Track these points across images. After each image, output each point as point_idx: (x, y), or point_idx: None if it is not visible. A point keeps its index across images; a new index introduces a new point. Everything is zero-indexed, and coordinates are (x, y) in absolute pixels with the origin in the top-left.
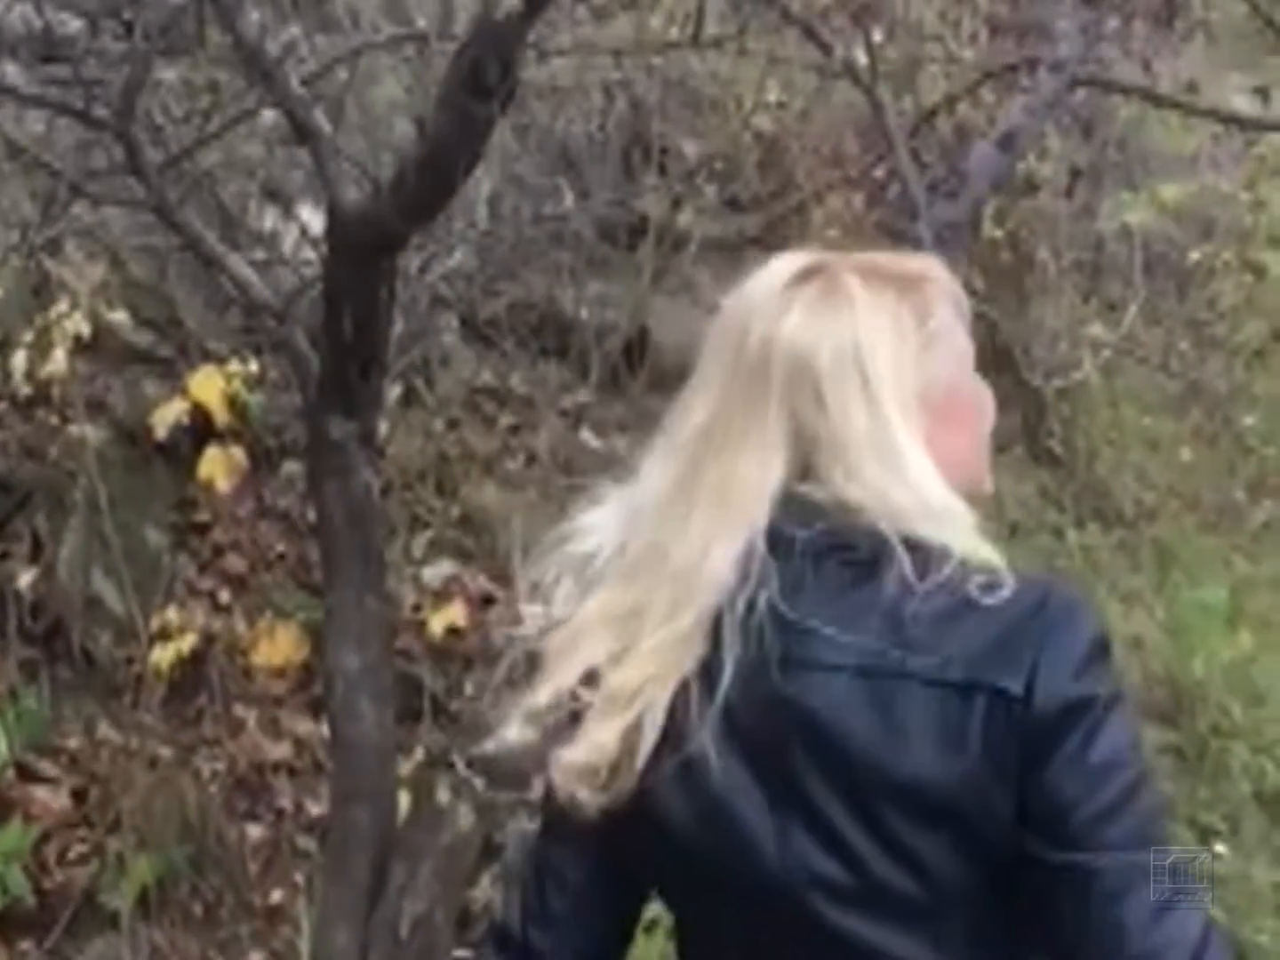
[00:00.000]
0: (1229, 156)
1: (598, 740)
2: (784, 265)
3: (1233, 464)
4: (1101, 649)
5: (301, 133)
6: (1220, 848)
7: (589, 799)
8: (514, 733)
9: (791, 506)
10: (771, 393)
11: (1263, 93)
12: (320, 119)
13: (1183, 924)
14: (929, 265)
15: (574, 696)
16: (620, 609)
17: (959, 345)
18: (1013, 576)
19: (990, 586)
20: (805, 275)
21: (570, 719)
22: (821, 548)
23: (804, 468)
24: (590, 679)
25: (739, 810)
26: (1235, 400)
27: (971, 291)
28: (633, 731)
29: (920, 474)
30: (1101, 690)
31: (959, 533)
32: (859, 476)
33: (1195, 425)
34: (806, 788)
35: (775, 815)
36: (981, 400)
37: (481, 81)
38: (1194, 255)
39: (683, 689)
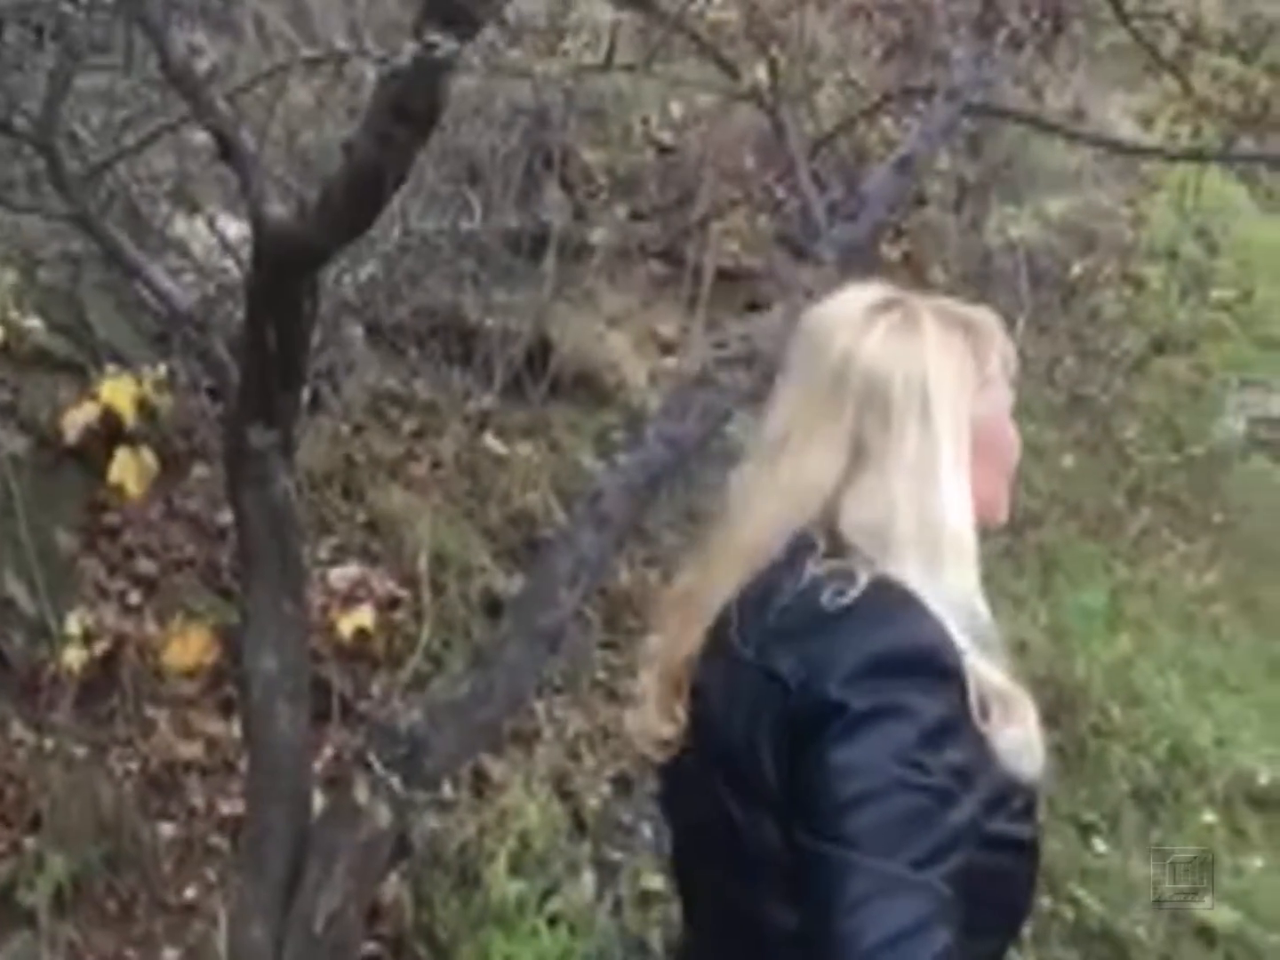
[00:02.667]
0: (1111, 173)
1: (675, 714)
2: (865, 292)
3: (1113, 473)
4: (887, 667)
5: (226, 150)
6: (1099, 844)
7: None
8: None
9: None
10: (847, 403)
11: (1147, 120)
12: (246, 136)
13: (879, 917)
14: (988, 316)
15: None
16: (687, 590)
17: (1003, 392)
18: (863, 591)
19: (838, 594)
20: (886, 304)
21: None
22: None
23: (848, 474)
24: (661, 652)
25: (692, 782)
26: (1116, 411)
27: None
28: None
29: (950, 500)
30: (860, 702)
31: (951, 557)
32: (886, 488)
33: (1078, 435)
34: (705, 757)
35: (702, 780)
36: (1013, 443)
37: (407, 108)
38: (1076, 268)
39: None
